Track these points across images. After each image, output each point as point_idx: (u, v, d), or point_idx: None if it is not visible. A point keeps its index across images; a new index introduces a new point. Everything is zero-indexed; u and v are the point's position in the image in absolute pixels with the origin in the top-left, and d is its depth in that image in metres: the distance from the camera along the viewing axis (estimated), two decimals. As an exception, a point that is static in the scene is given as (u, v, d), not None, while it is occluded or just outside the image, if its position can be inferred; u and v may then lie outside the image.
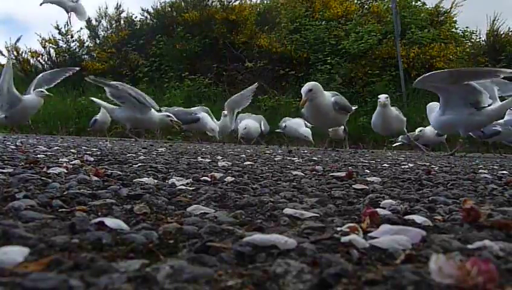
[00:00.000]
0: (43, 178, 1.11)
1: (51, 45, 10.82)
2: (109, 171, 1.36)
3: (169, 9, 10.84)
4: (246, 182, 1.27)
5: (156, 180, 1.21)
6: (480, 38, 9.88)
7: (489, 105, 4.22)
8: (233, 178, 1.34)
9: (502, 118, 4.64)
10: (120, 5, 11.45)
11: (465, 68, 5.11)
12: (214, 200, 0.95)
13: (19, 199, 0.82)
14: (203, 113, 6.31)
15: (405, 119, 5.62)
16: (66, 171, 1.32)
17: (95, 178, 1.18)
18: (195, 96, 8.79)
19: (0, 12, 19.07)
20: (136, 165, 1.66)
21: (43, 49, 10.78)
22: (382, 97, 5.25)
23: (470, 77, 4.06)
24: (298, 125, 6.18)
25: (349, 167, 2.04)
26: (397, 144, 6.39)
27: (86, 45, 11.25)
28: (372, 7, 10.35)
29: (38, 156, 1.95)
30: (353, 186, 1.26)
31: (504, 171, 2.11)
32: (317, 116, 4.68)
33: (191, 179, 1.28)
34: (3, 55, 10.85)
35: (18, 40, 7.91)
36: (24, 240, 0.55)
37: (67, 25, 9.17)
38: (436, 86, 4.20)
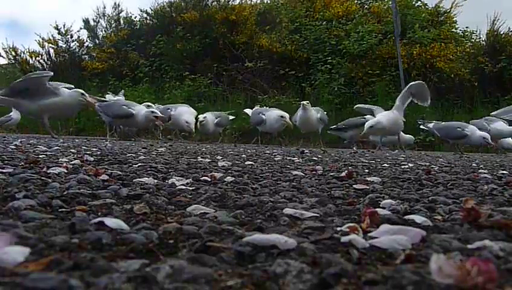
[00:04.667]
0: (43, 178, 1.11)
1: (50, 45, 10.82)
2: (109, 171, 1.36)
3: (169, 9, 10.83)
4: (246, 182, 1.27)
5: (156, 180, 1.21)
6: (480, 38, 9.89)
7: None
8: (233, 178, 1.34)
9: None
10: (119, 5, 11.45)
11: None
12: (214, 200, 0.95)
13: (18, 198, 0.82)
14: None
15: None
16: (66, 171, 1.32)
17: (100, 177, 1.18)
18: (195, 96, 8.79)
19: (5, 17, 19.28)
20: (136, 165, 1.66)
21: (42, 49, 10.78)
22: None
23: None
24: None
25: (349, 167, 2.04)
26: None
27: (85, 45, 11.26)
28: (373, 7, 10.34)
29: (39, 156, 1.95)
30: (353, 186, 1.26)
31: (504, 171, 2.11)
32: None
33: (191, 179, 1.28)
34: (3, 57, 10.87)
35: None
36: (24, 240, 0.55)
37: None
38: None
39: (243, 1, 10.66)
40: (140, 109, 5.42)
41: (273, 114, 5.85)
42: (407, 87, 5.43)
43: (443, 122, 5.96)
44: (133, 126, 5.79)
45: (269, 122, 5.84)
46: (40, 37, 10.76)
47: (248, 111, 6.64)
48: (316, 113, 5.86)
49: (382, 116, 5.32)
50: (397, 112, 5.39)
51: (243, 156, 2.77)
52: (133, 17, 11.32)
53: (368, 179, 1.47)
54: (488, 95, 8.24)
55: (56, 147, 2.76)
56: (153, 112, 5.36)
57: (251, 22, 10.05)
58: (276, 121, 5.78)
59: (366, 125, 5.27)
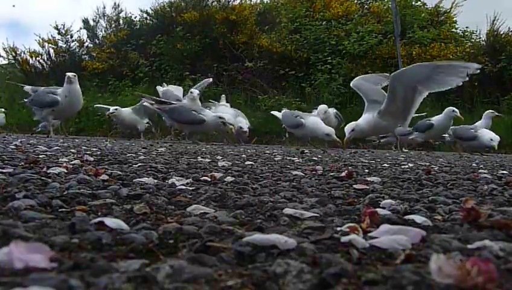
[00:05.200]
0: (43, 178, 1.11)
1: (50, 45, 10.83)
2: (109, 171, 1.36)
3: (169, 9, 10.83)
4: (246, 182, 1.27)
5: (155, 180, 1.21)
6: (480, 38, 9.89)
7: None
8: (233, 178, 1.34)
9: None
10: (118, 5, 11.45)
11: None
12: (214, 200, 0.95)
13: (18, 198, 0.82)
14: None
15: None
16: (66, 171, 1.32)
17: (100, 177, 1.18)
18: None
19: (5, 17, 19.36)
20: (136, 165, 1.66)
21: (42, 49, 10.79)
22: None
23: None
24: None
25: (349, 167, 2.04)
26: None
27: (85, 45, 11.26)
28: (372, 7, 10.34)
29: (39, 156, 1.95)
30: (353, 186, 1.26)
31: (504, 171, 2.11)
32: None
33: (190, 179, 1.28)
34: (3, 57, 10.89)
35: None
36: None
37: None
38: None
39: (243, 1, 10.66)
40: (209, 114, 5.38)
41: (320, 127, 5.47)
42: (390, 81, 4.77)
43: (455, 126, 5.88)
44: (200, 131, 5.73)
45: (310, 129, 5.52)
46: (40, 37, 10.77)
47: (277, 114, 6.34)
48: (333, 115, 5.81)
49: (363, 121, 5.07)
50: (378, 117, 4.92)
51: (243, 156, 2.77)
52: (132, 17, 11.33)
53: (368, 179, 1.47)
54: (488, 95, 8.24)
55: (56, 147, 2.76)
56: (220, 117, 5.29)
57: (251, 22, 10.05)
58: (322, 135, 5.49)
59: (347, 129, 5.01)
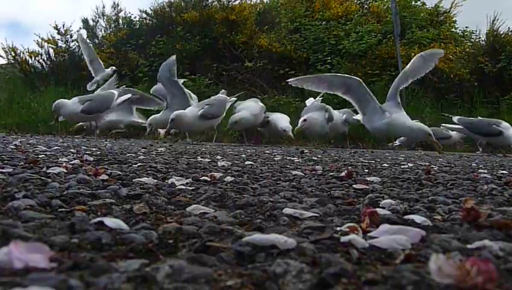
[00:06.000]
0: (42, 178, 1.11)
1: (50, 45, 10.83)
2: (109, 171, 1.36)
3: (168, 9, 10.83)
4: (246, 182, 1.27)
5: (155, 180, 1.21)
6: (480, 38, 9.89)
7: None
8: (232, 178, 1.34)
9: None
10: (118, 4, 11.45)
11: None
12: (214, 200, 0.95)
13: (18, 198, 0.81)
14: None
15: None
16: (65, 171, 1.32)
17: (100, 177, 1.18)
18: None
19: (6, 18, 19.39)
20: (136, 165, 1.66)
21: (41, 49, 10.79)
22: None
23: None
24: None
25: (349, 167, 2.04)
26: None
27: (85, 44, 11.25)
28: (372, 7, 10.34)
29: (38, 156, 1.95)
30: (353, 186, 1.26)
31: (504, 171, 2.11)
32: None
33: (190, 179, 1.28)
34: (2, 57, 10.90)
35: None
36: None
37: None
38: None
39: (243, 1, 10.66)
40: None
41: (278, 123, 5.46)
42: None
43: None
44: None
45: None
46: (40, 37, 10.77)
47: (309, 102, 6.16)
48: (341, 115, 5.66)
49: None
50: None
51: (243, 156, 2.77)
52: (132, 17, 11.34)
53: (368, 179, 1.47)
54: (488, 95, 8.23)
55: (56, 147, 2.76)
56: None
57: (251, 22, 10.05)
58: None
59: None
